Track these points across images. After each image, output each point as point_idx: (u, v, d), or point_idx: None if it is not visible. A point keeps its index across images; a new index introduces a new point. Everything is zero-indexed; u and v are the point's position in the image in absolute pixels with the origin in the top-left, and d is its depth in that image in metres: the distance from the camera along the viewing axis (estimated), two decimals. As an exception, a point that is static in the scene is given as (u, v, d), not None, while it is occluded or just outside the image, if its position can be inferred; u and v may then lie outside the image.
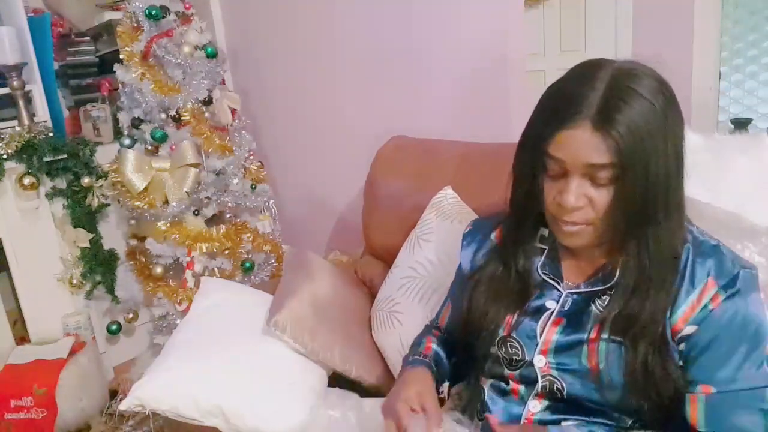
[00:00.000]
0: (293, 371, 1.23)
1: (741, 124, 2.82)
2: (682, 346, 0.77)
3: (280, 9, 2.18)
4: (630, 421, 0.80)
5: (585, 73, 0.76)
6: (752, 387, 0.74)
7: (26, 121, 1.99)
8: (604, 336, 0.79)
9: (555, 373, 0.83)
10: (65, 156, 2.02)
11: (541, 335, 0.84)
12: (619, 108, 0.70)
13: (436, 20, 1.71)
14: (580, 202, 0.75)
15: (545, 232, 0.90)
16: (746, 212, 1.05)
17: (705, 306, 0.75)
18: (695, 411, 0.75)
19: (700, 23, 2.65)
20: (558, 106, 0.75)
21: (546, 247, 0.90)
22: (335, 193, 2.21)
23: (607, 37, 2.92)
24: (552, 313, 0.85)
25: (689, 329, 0.76)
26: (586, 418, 0.82)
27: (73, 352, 1.97)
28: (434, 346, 1.01)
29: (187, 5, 2.01)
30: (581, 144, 0.72)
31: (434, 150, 1.62)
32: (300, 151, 2.33)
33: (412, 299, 1.32)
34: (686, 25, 2.65)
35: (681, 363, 0.77)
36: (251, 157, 2.17)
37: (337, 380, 1.29)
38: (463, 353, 0.97)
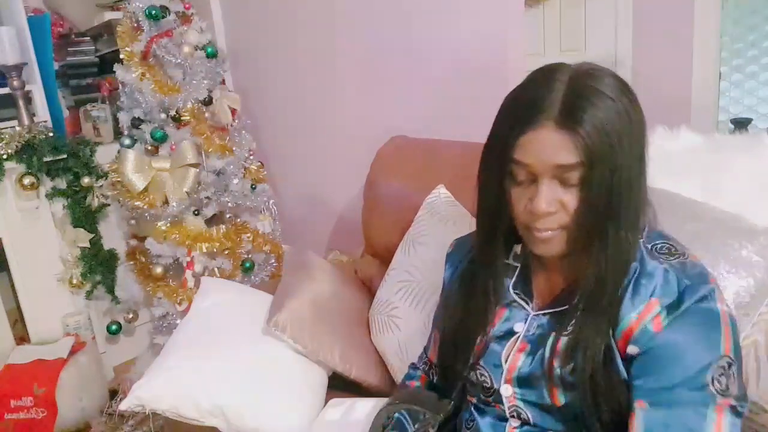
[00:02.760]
0: (293, 371, 1.24)
1: (741, 124, 2.81)
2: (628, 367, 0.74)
3: (280, 9, 2.18)
4: None
5: (542, 77, 0.74)
6: (687, 403, 0.68)
7: (26, 121, 2.00)
8: (557, 368, 0.76)
9: (520, 404, 0.81)
10: (65, 156, 2.03)
11: (506, 362, 0.82)
12: (583, 106, 0.69)
13: (436, 20, 1.71)
14: (552, 207, 0.72)
15: (518, 249, 0.88)
16: (746, 212, 1.05)
17: (645, 327, 0.72)
18: (633, 428, 0.70)
19: (700, 23, 2.64)
20: (519, 112, 0.73)
21: (518, 265, 0.87)
22: (335, 193, 2.21)
23: (607, 37, 2.91)
24: (518, 338, 0.82)
25: (631, 349, 0.73)
26: None
27: (73, 352, 1.97)
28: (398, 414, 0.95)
29: (187, 5, 2.01)
30: (546, 145, 0.70)
31: (434, 150, 1.62)
32: (300, 151, 2.33)
33: (410, 304, 1.31)
34: (686, 25, 2.65)
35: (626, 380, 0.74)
36: (251, 157, 2.17)
37: (337, 380, 1.29)
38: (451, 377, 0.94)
